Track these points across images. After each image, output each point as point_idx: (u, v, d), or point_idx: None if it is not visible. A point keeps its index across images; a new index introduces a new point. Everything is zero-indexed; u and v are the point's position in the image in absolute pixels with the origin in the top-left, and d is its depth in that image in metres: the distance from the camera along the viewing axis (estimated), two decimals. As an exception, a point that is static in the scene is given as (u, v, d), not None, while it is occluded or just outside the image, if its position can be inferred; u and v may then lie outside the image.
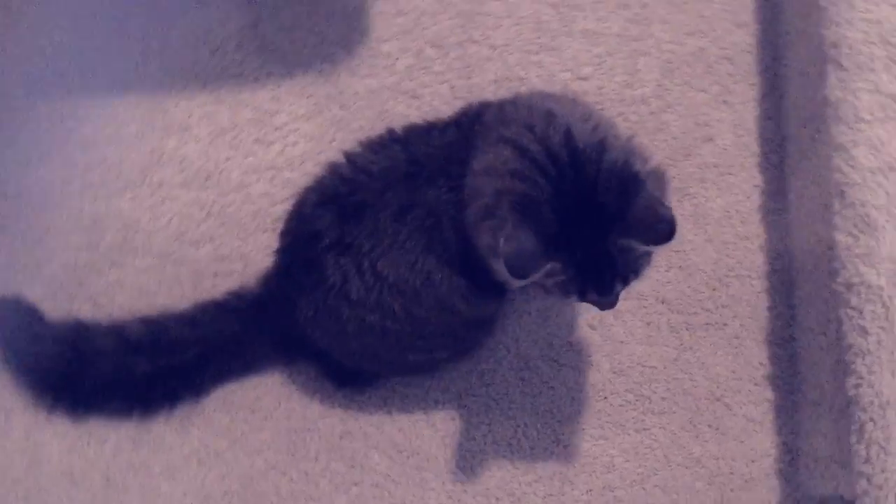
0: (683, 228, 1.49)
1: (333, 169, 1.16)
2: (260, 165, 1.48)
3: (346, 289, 1.13)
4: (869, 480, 1.17)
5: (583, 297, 1.04)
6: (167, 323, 1.30)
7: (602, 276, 1.01)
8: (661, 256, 1.48)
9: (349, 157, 1.16)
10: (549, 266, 0.98)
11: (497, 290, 1.22)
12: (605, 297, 1.04)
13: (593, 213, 0.99)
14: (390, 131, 1.16)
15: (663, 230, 0.97)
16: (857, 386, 1.18)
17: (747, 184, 1.52)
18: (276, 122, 1.51)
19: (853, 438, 1.18)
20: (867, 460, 1.17)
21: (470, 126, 1.11)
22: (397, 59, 1.53)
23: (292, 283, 1.18)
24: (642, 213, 0.97)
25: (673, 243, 1.00)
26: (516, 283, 1.01)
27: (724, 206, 1.51)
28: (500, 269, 0.99)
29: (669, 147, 1.52)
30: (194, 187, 1.48)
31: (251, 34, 1.53)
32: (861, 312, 1.18)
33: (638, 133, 1.52)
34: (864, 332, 1.17)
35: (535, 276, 0.98)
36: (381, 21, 1.55)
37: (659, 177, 1.05)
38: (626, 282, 1.03)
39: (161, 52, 1.52)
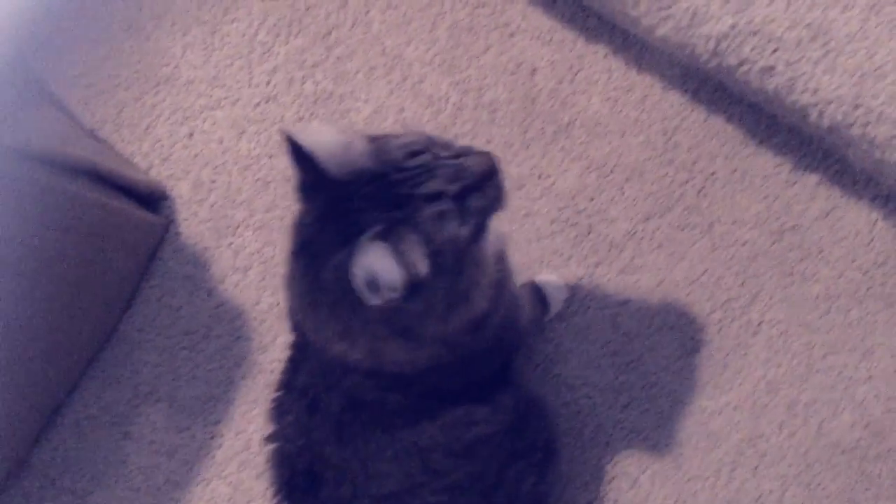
0: (593, 148, 1.33)
1: (270, 461, 1.06)
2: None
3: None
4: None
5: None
6: None
7: None
8: (605, 189, 1.31)
9: (272, 439, 1.06)
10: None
11: (484, 382, 1.07)
12: None
13: None
14: (276, 386, 1.07)
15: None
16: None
17: (598, 63, 1.36)
18: (255, 447, 1.44)
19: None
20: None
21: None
22: (278, 302, 1.48)
23: None
24: None
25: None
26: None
27: (602, 97, 1.35)
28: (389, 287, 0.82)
29: (515, 113, 1.39)
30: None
31: (177, 411, 1.50)
32: (761, 53, 0.98)
33: (481, 132, 1.40)
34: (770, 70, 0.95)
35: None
36: (241, 291, 1.51)
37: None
38: None
39: (137, 496, 1.50)
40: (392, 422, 0.97)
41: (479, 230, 0.89)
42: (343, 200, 0.86)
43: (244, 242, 1.49)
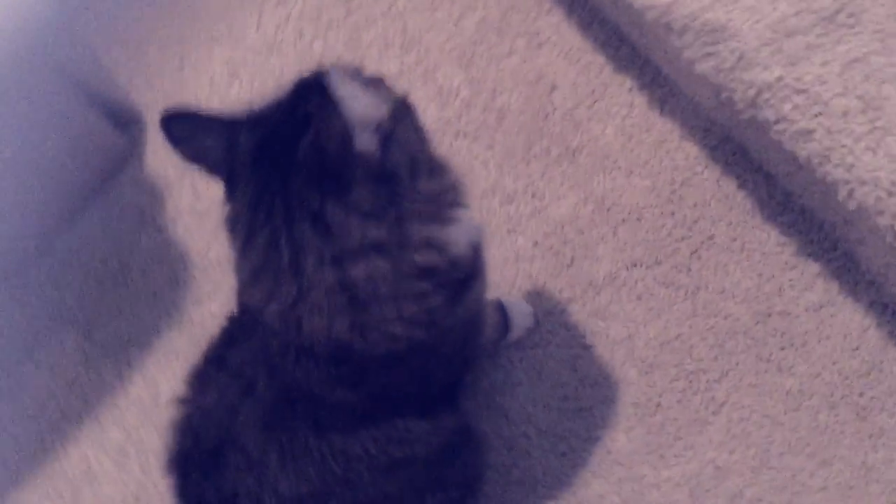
0: (595, 181, 1.25)
1: (176, 426, 0.95)
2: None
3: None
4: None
5: None
6: None
7: None
8: (598, 224, 1.23)
9: (181, 403, 0.95)
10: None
11: (435, 395, 0.98)
12: None
13: None
14: (203, 358, 0.96)
15: None
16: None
17: (620, 93, 1.29)
18: (162, 401, 1.32)
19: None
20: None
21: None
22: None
23: None
24: None
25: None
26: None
27: (616, 129, 1.27)
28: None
29: (524, 125, 1.31)
30: (133, 521, 1.28)
31: (90, 345, 1.38)
32: (803, 113, 0.91)
33: (484, 136, 1.32)
34: (809, 134, 0.90)
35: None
36: (191, 236, 1.40)
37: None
38: None
39: (27, 422, 1.37)
40: (329, 423, 0.87)
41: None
42: (264, 127, 0.78)
43: (208, 186, 1.38)
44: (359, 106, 0.72)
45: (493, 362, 1.21)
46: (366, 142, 0.72)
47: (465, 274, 0.87)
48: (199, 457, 0.90)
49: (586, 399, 1.17)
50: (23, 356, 1.38)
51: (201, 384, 0.92)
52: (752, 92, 0.91)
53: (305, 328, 0.79)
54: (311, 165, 0.73)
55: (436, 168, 0.83)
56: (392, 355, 0.83)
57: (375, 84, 0.79)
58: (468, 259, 0.87)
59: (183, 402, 0.94)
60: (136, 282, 1.39)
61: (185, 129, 0.79)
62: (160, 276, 1.38)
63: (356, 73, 0.79)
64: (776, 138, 0.93)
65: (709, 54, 0.93)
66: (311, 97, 0.75)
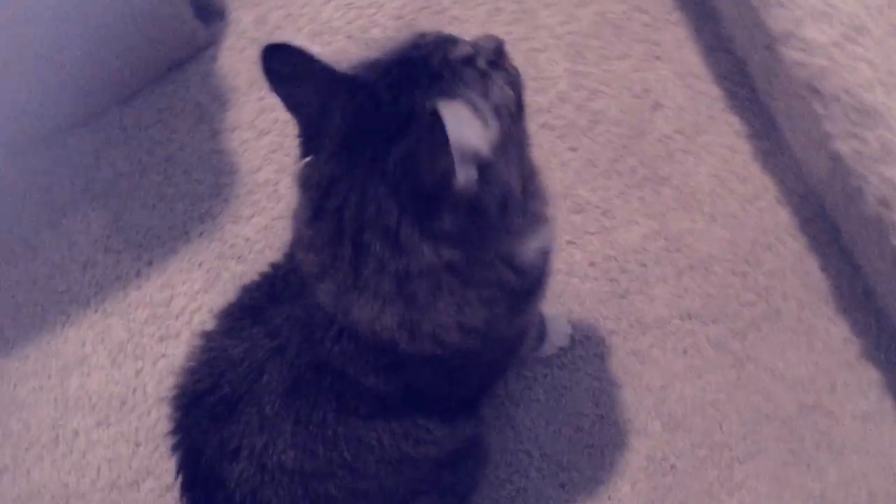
0: (674, 218, 1.18)
1: (192, 360, 0.90)
2: (173, 365, 1.25)
3: (260, 498, 0.85)
4: None
5: None
6: None
7: None
8: (663, 263, 1.16)
9: (207, 339, 0.90)
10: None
11: (463, 399, 0.93)
12: None
13: None
14: (239, 302, 0.91)
15: None
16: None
17: (726, 135, 1.20)
18: (174, 310, 1.28)
19: None
20: None
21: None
22: (278, 182, 1.31)
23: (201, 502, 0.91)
24: None
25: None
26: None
27: (711, 172, 1.19)
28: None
29: (616, 136, 1.23)
30: (113, 421, 1.25)
31: (114, 230, 1.33)
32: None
33: (570, 136, 1.24)
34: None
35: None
36: (245, 150, 1.33)
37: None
38: None
39: (32, 290, 1.33)
40: (352, 405, 0.83)
41: (520, 109, 0.76)
42: (364, 105, 0.71)
43: (276, 108, 1.31)
44: (467, 139, 0.65)
45: (515, 372, 1.15)
46: (464, 178, 0.66)
47: (532, 284, 0.82)
48: (212, 401, 0.85)
49: (600, 437, 1.12)
50: (45, 224, 1.33)
51: (233, 330, 0.87)
52: (885, 189, 0.83)
53: (354, 316, 0.74)
54: (398, 180, 0.67)
55: (529, 197, 0.77)
56: (435, 357, 0.78)
57: (490, 86, 0.72)
58: (539, 270, 0.82)
59: (209, 338, 0.89)
60: (178, 180, 1.33)
61: (286, 67, 0.72)
62: (203, 183, 1.32)
63: (474, 81, 0.71)
64: (893, 242, 0.86)
65: (852, 135, 0.85)
66: (417, 99, 0.68)
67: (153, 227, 1.32)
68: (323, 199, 0.71)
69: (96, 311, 1.30)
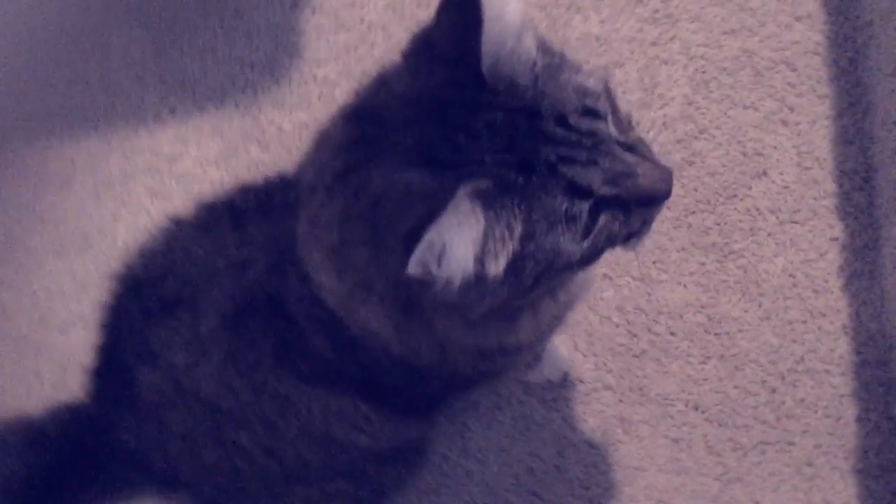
0: (726, 299, 1.04)
1: (150, 240, 0.79)
2: (152, 226, 1.14)
3: (164, 416, 0.75)
4: None
5: (602, 195, 0.60)
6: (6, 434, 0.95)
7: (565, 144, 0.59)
8: (694, 341, 1.03)
9: (177, 225, 0.79)
10: (461, 196, 0.55)
11: (419, 400, 0.82)
12: (616, 163, 0.60)
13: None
14: (227, 198, 0.78)
15: None
16: None
17: (821, 235, 1.06)
18: (178, 170, 1.17)
19: None
20: None
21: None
22: (337, 86, 1.18)
23: (106, 394, 0.81)
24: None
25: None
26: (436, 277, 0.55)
27: (787, 267, 1.05)
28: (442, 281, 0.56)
29: (705, 186, 1.09)
30: (70, 254, 1.15)
31: (154, 63, 1.21)
32: None
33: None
34: None
35: (448, 235, 0.54)
36: (317, 38, 1.20)
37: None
38: (594, 116, 0.60)
39: (45, 90, 1.22)
40: (291, 359, 0.72)
41: (591, 259, 0.62)
42: (460, 105, 0.58)
43: (367, 2, 1.18)
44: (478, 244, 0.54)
45: (492, 387, 1.04)
46: (420, 271, 0.54)
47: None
48: (152, 294, 0.74)
49: (549, 490, 1.01)
50: (82, 34, 1.22)
51: (207, 225, 0.75)
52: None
53: (320, 278, 0.63)
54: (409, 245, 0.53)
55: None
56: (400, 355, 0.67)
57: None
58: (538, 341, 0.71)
59: (179, 225, 0.78)
60: (236, 39, 1.20)
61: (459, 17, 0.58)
62: (260, 52, 1.20)
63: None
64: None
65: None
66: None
67: (191, 75, 1.20)
68: (355, 169, 0.59)
69: (94, 135, 1.20)
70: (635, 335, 1.05)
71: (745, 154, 1.10)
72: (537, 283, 0.60)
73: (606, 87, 0.62)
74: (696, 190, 1.09)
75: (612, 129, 0.61)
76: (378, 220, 0.56)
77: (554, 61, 0.60)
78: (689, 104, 1.12)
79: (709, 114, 1.12)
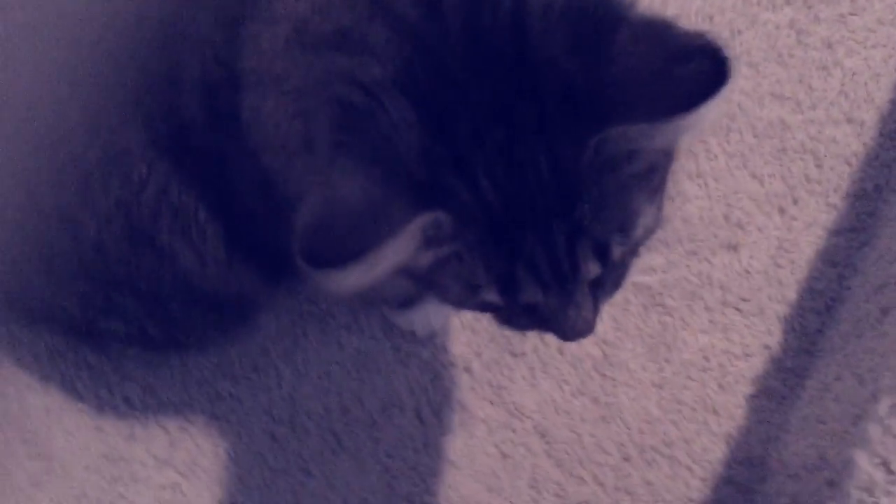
0: (631, 347, 0.93)
1: None
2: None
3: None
4: None
5: (511, 301, 0.51)
6: None
7: (551, 244, 0.48)
8: (578, 371, 0.92)
9: None
10: (417, 224, 0.45)
11: (261, 248, 0.68)
12: (561, 295, 0.51)
13: (521, 96, 0.46)
14: None
15: (700, 74, 0.44)
16: None
17: (755, 336, 0.95)
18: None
19: None
20: None
21: None
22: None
23: None
24: (640, 55, 0.46)
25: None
26: (336, 281, 0.45)
27: (707, 349, 0.95)
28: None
29: (672, 229, 0.98)
30: None
31: None
32: None
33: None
34: None
35: (381, 258, 0.45)
36: None
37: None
38: (604, 252, 0.51)
39: None
40: (162, 126, 0.60)
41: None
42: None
43: None
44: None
45: (353, 306, 0.92)
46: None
47: None
48: None
49: (350, 435, 0.89)
50: None
51: None
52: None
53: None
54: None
55: None
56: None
57: None
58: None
59: None
60: None
61: None
62: None
63: None
64: None
65: None
66: None
67: None
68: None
69: None
70: (525, 335, 0.94)
71: (727, 219, 0.99)
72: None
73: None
74: (661, 228, 0.98)
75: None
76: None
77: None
78: (702, 142, 1.01)
79: (714, 162, 1.01)
